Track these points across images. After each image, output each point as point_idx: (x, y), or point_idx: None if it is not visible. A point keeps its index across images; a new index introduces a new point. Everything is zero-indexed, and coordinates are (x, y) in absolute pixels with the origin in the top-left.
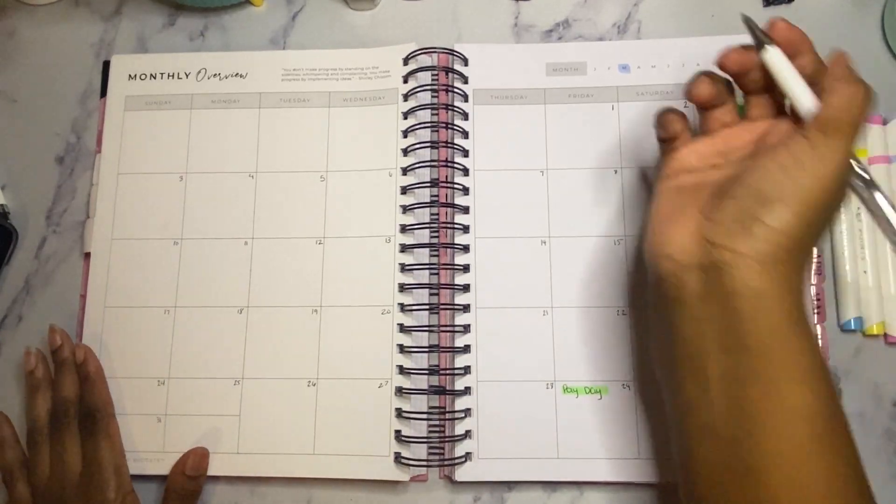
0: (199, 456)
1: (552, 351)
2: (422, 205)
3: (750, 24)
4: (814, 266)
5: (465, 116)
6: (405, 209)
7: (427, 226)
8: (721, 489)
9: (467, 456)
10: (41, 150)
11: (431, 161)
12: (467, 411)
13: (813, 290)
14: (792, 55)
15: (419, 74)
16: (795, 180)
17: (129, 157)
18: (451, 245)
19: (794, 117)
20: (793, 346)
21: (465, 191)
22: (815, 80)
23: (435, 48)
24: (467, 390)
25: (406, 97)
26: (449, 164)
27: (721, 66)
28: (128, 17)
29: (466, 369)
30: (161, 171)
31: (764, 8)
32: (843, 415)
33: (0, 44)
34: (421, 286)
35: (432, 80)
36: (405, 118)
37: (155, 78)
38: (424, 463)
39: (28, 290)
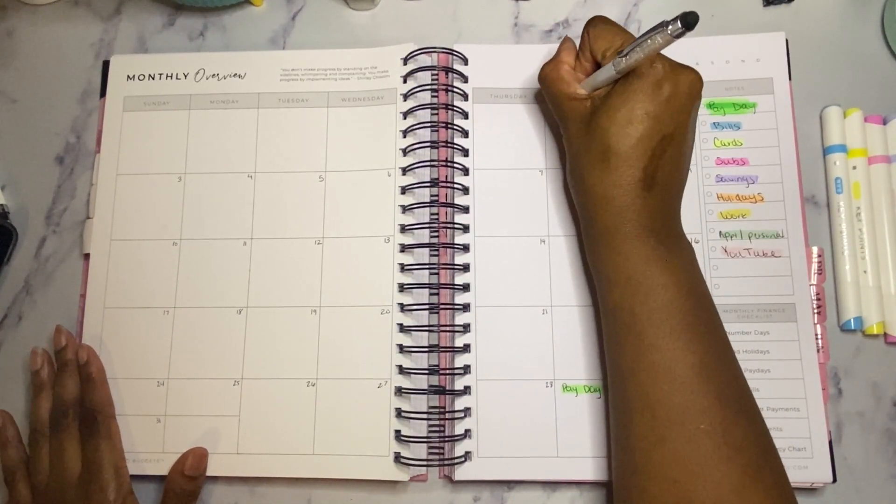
0: (198, 456)
1: (551, 350)
2: (421, 204)
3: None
4: (814, 266)
5: (465, 116)
6: (405, 209)
7: (427, 225)
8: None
9: (467, 455)
10: (41, 150)
11: (431, 161)
12: (467, 411)
13: (813, 290)
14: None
15: (419, 74)
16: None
17: (128, 158)
18: (451, 245)
19: None
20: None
21: (465, 190)
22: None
23: (435, 48)
24: (467, 390)
25: (405, 97)
26: (449, 164)
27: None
28: (128, 17)
29: (466, 369)
30: (160, 171)
31: (764, 8)
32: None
33: (0, 44)
34: (421, 286)
35: (432, 79)
36: (405, 118)
37: (153, 78)
38: (424, 463)
39: (28, 290)
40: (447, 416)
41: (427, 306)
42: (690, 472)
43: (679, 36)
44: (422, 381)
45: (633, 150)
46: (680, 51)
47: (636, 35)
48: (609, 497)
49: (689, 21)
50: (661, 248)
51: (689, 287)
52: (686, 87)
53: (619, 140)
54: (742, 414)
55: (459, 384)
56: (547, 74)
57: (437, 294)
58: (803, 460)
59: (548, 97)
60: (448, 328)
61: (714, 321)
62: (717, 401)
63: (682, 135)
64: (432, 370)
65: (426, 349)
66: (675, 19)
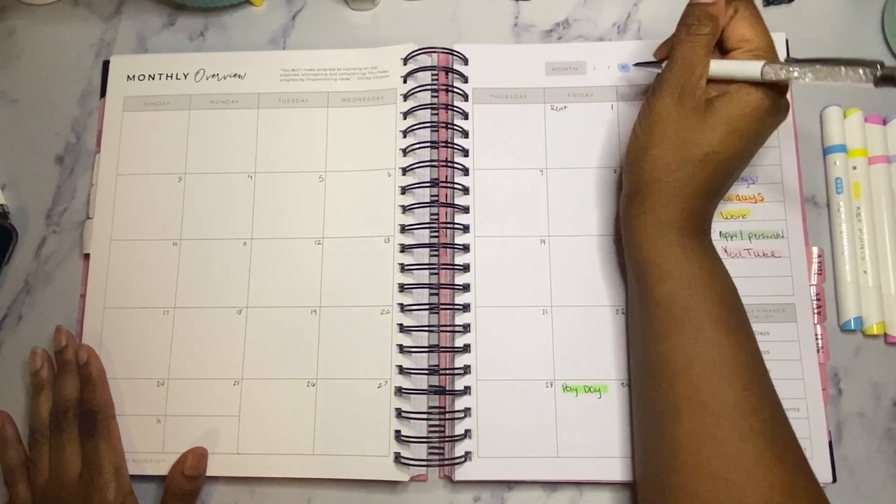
0: (197, 456)
1: (552, 350)
2: (421, 205)
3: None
4: (814, 266)
5: (465, 116)
6: (405, 209)
7: (427, 226)
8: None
9: (467, 455)
10: (41, 150)
11: (431, 161)
12: (467, 411)
13: (813, 290)
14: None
15: (419, 74)
16: None
17: (128, 158)
18: (451, 245)
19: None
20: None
21: (465, 190)
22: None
23: (435, 48)
24: (467, 390)
25: (406, 97)
26: (449, 164)
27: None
28: (128, 17)
29: (466, 369)
30: (160, 171)
31: (764, 8)
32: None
33: (0, 44)
34: (421, 286)
35: (432, 79)
36: (405, 118)
37: (153, 78)
38: (424, 463)
39: (28, 290)
40: (447, 416)
41: (427, 306)
42: (743, 470)
43: (871, 83)
44: (422, 382)
45: (732, 163)
46: None
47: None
48: (609, 497)
49: (889, 76)
50: (710, 247)
51: (733, 286)
52: (785, 113)
53: (727, 150)
54: (783, 413)
55: (459, 384)
56: (700, 39)
57: (437, 294)
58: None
59: (676, 59)
60: (448, 328)
61: (748, 320)
62: (768, 399)
63: (750, 158)
64: (432, 370)
65: (426, 349)
66: (875, 65)
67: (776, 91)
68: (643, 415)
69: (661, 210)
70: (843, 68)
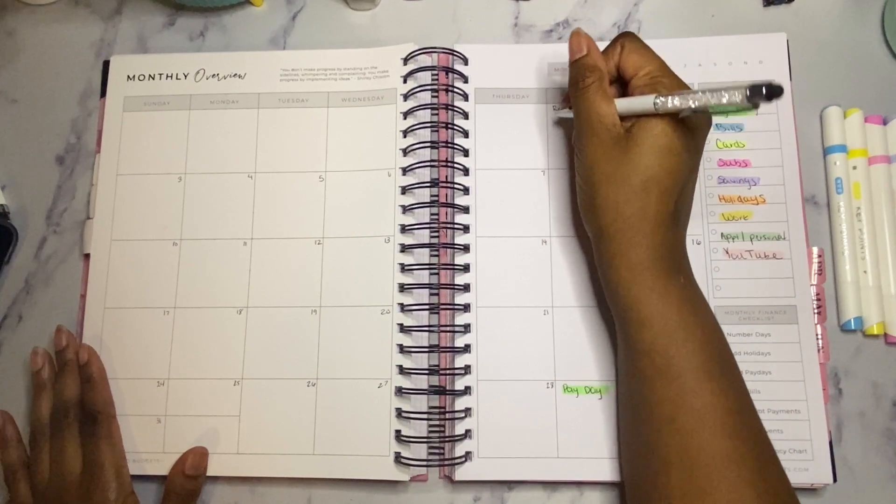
0: (198, 455)
1: (552, 350)
2: (422, 205)
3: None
4: (814, 266)
5: (466, 116)
6: (405, 209)
7: (427, 226)
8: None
9: (467, 455)
10: (41, 150)
11: (431, 161)
12: (467, 411)
13: (813, 290)
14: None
15: (419, 74)
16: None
17: (128, 158)
18: (452, 245)
19: None
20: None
21: (466, 190)
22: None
23: (435, 48)
24: (467, 390)
25: (406, 97)
26: (449, 164)
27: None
28: (128, 17)
29: (466, 369)
30: (160, 171)
31: (764, 8)
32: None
33: (0, 44)
34: (421, 286)
35: (432, 79)
36: (405, 118)
37: (153, 78)
38: (424, 463)
39: (28, 290)
40: (447, 416)
41: (427, 306)
42: None
43: (755, 105)
44: (422, 382)
45: (671, 182)
46: (683, 52)
47: (661, 57)
48: (610, 498)
49: (772, 92)
50: (689, 286)
51: (715, 327)
52: (706, 123)
53: (661, 171)
54: (773, 458)
55: (460, 384)
56: (591, 87)
57: (438, 294)
58: (804, 462)
59: (583, 110)
60: (448, 328)
61: (734, 361)
62: (754, 447)
63: (697, 167)
64: (432, 370)
65: (426, 349)
66: (757, 86)
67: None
68: (633, 457)
69: (630, 251)
70: (722, 92)
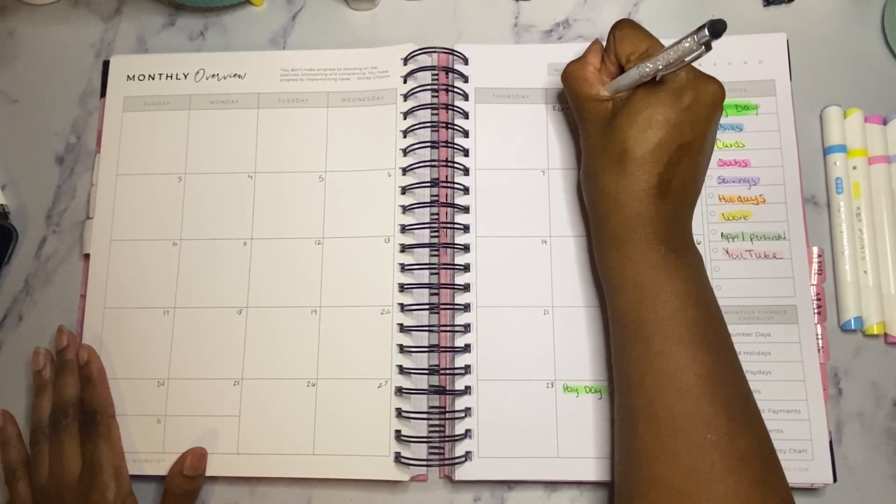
0: (197, 455)
1: (552, 350)
2: (422, 205)
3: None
4: (814, 266)
5: (466, 116)
6: (405, 209)
7: (427, 226)
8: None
9: (467, 455)
10: (41, 150)
11: (431, 161)
12: (467, 411)
13: (813, 290)
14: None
15: (419, 74)
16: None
17: (128, 158)
18: (452, 245)
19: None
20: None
21: (466, 190)
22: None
23: (435, 48)
24: (467, 390)
25: (406, 97)
26: (449, 164)
27: None
28: (128, 17)
29: (466, 369)
30: (160, 171)
31: (764, 8)
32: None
33: (0, 44)
34: (421, 286)
35: (432, 79)
36: (405, 118)
37: (153, 78)
38: (424, 463)
39: (28, 290)
40: (447, 416)
41: (427, 306)
42: (695, 483)
43: (706, 44)
44: (422, 381)
45: (650, 156)
46: None
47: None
48: (609, 498)
49: (716, 29)
50: (670, 255)
51: (698, 296)
52: (708, 97)
53: (636, 144)
54: (747, 425)
55: (460, 384)
56: (571, 73)
57: (438, 294)
58: (804, 462)
59: (569, 96)
60: (448, 328)
61: (721, 331)
62: (723, 411)
63: (699, 144)
64: (432, 370)
65: (426, 349)
66: (701, 27)
67: (666, 82)
68: (614, 425)
69: (608, 222)
70: (682, 41)
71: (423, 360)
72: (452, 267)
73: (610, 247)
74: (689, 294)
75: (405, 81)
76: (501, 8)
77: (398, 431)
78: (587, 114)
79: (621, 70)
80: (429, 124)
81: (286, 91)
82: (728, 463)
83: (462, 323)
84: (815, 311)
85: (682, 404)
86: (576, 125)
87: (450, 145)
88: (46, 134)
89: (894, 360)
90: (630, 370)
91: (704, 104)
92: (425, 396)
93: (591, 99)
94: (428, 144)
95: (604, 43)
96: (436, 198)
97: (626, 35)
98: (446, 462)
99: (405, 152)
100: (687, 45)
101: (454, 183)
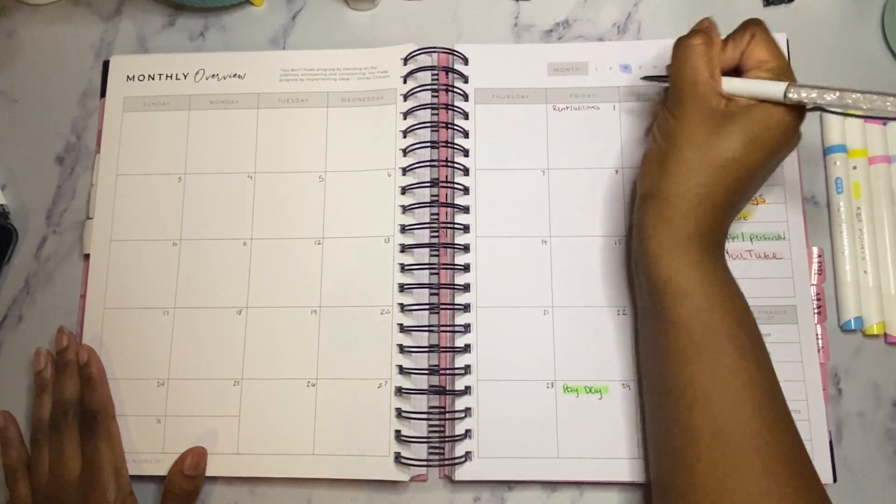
0: (197, 455)
1: (552, 350)
2: (422, 205)
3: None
4: (814, 266)
5: (466, 116)
6: (405, 209)
7: (427, 226)
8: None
9: (467, 455)
10: (41, 150)
11: (431, 161)
12: (467, 411)
13: (813, 290)
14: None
15: (419, 74)
16: None
17: (127, 159)
18: (452, 245)
19: None
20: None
21: (466, 190)
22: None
23: (435, 48)
24: (467, 390)
25: (406, 97)
26: (449, 164)
27: None
28: (128, 17)
29: (466, 369)
30: (160, 172)
31: (764, 8)
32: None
33: (0, 44)
34: (421, 286)
35: (432, 79)
36: (405, 118)
37: (153, 79)
38: (424, 463)
39: (28, 290)
40: (447, 416)
41: (427, 306)
42: (769, 502)
43: None
44: (422, 382)
45: (753, 173)
46: None
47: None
48: (610, 498)
49: None
50: (727, 266)
51: (748, 306)
52: (794, 139)
53: (749, 158)
54: (801, 442)
55: (460, 384)
56: (696, 46)
57: (438, 294)
58: None
59: (681, 66)
60: (448, 328)
61: (765, 345)
62: (787, 427)
63: (774, 169)
64: (432, 370)
65: (426, 349)
66: None
67: (796, 114)
68: (657, 440)
69: (682, 221)
70: (873, 95)
71: (423, 361)
72: (452, 267)
73: (678, 249)
74: (746, 305)
75: (405, 81)
76: (501, 8)
77: (398, 431)
78: (696, 98)
79: (734, 68)
80: (429, 124)
81: (286, 91)
82: (797, 482)
83: (462, 323)
84: (815, 311)
85: (753, 421)
86: (575, 126)
87: (450, 145)
88: (46, 134)
89: (894, 360)
90: (694, 384)
91: (791, 147)
92: (425, 396)
93: (707, 83)
94: (428, 144)
95: (715, 24)
96: (436, 198)
97: (765, 41)
98: (446, 462)
99: (405, 152)
100: (891, 106)
101: (454, 183)
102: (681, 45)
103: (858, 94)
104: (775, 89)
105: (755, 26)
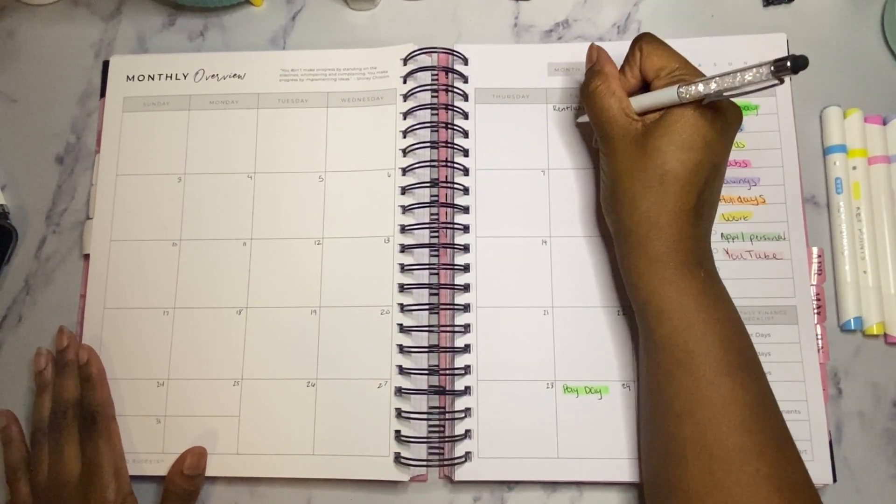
0: (197, 455)
1: (552, 351)
2: (421, 205)
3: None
4: (814, 266)
5: (466, 116)
6: (405, 209)
7: (427, 226)
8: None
9: (467, 456)
10: (41, 150)
11: (431, 161)
12: (467, 411)
13: (813, 290)
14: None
15: (419, 74)
16: None
17: (127, 159)
18: (451, 245)
19: None
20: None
21: (466, 191)
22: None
23: (435, 48)
24: (467, 390)
25: (405, 97)
26: (449, 164)
27: None
28: (128, 18)
29: (466, 369)
30: (160, 172)
31: (764, 8)
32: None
33: (0, 44)
34: (421, 286)
35: (432, 80)
36: (404, 118)
37: (153, 79)
38: (424, 463)
39: (28, 290)
40: (447, 416)
41: (427, 306)
42: None
43: (779, 79)
44: (422, 382)
45: (691, 176)
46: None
47: (684, 57)
48: (610, 498)
49: (798, 64)
50: (709, 280)
51: (737, 321)
52: (735, 118)
53: (679, 164)
54: (792, 454)
55: (460, 384)
56: (596, 89)
57: (437, 294)
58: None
59: (595, 114)
60: (448, 328)
61: (757, 357)
62: (774, 442)
63: (725, 164)
64: (432, 370)
65: (426, 349)
66: (780, 60)
67: (704, 106)
68: (651, 450)
69: (648, 244)
70: (746, 71)
71: (422, 361)
72: (452, 267)
73: (648, 270)
74: (732, 321)
75: (405, 82)
76: (501, 8)
77: (398, 432)
78: (615, 132)
79: (644, 85)
80: (428, 124)
81: (286, 91)
82: (783, 496)
83: (462, 323)
84: (815, 311)
85: (735, 435)
86: (575, 127)
87: (450, 145)
88: (46, 134)
89: (894, 360)
90: (678, 402)
91: (733, 125)
92: (425, 397)
93: (620, 116)
94: (428, 145)
95: (603, 50)
96: (436, 198)
97: (656, 50)
98: (446, 462)
99: (405, 152)
100: (750, 76)
101: (454, 183)
102: (584, 93)
103: (729, 76)
104: (671, 95)
105: (639, 41)
